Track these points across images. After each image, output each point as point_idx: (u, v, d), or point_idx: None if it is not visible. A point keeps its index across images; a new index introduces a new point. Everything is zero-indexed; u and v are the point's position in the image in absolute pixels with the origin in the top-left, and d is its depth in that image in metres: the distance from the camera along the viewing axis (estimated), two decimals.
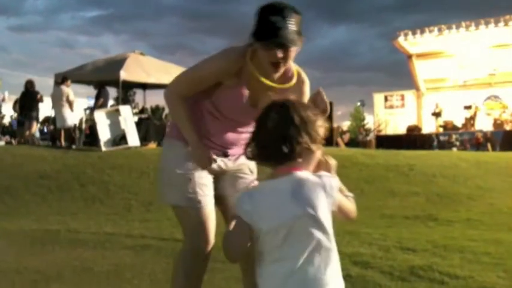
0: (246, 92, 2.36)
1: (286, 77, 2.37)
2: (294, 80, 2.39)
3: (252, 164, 2.58)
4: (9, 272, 4.16)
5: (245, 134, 2.46)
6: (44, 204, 8.52)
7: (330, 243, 1.59)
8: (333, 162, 1.75)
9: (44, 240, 5.66)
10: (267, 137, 1.61)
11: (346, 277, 3.81)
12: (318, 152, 1.67)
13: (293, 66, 2.38)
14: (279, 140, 1.58)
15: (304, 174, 1.60)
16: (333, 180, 1.61)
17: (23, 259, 4.70)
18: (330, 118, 19.58)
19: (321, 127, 1.65)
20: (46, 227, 6.59)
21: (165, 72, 15.83)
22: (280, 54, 2.16)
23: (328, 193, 1.58)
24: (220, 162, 2.46)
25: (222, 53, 2.36)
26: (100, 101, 13.67)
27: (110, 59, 16.84)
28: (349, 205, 1.71)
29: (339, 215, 1.65)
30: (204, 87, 2.36)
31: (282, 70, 2.27)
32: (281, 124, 1.59)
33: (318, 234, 1.56)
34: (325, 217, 1.57)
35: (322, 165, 1.72)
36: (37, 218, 7.41)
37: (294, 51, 2.21)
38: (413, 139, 19.31)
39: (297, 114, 1.61)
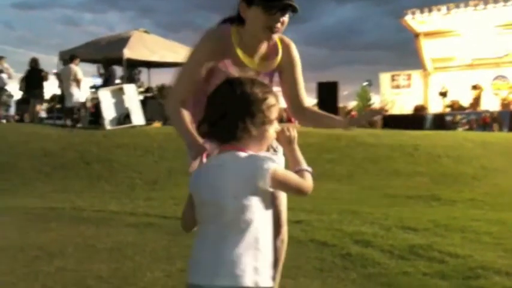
0: (235, 68, 2.33)
1: (272, 49, 2.36)
2: (280, 55, 2.39)
3: (275, 143, 2.55)
4: (12, 248, 4.20)
5: None
6: (48, 182, 8.58)
7: (236, 226, 1.52)
8: (292, 134, 1.73)
9: (48, 217, 5.71)
10: (213, 114, 1.60)
11: (346, 255, 3.87)
12: (271, 130, 1.64)
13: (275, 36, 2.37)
14: (223, 118, 1.57)
15: (233, 155, 1.56)
16: (265, 163, 1.52)
17: (27, 236, 4.75)
18: (335, 98, 19.54)
19: (271, 106, 1.61)
20: (50, 204, 6.64)
21: (169, 50, 15.77)
22: (281, 19, 2.17)
23: (253, 176, 1.51)
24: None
25: (204, 36, 2.33)
26: (105, 79, 13.65)
27: (114, 37, 16.76)
28: (297, 181, 1.62)
29: (288, 192, 1.66)
30: (199, 77, 2.32)
31: (275, 37, 2.27)
32: (225, 102, 1.59)
33: (225, 217, 1.53)
34: (235, 201, 1.52)
35: (282, 138, 1.72)
36: (41, 196, 7.47)
37: (286, 20, 2.21)
38: (419, 119, 19.21)
39: (243, 93, 1.58)
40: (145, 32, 17.01)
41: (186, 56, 2.36)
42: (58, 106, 17.42)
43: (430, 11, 20.84)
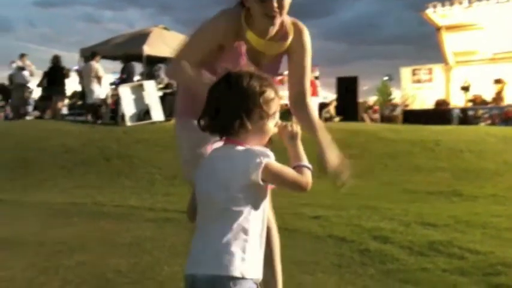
0: (248, 53, 2.31)
1: (283, 32, 2.34)
2: (290, 38, 2.36)
3: None
4: (34, 243, 4.27)
5: None
6: (70, 178, 8.69)
7: (225, 217, 1.54)
8: (295, 129, 1.68)
9: (69, 212, 5.80)
10: (211, 109, 1.60)
11: (364, 251, 3.85)
12: (269, 124, 1.62)
13: (288, 18, 2.34)
14: (219, 113, 1.57)
15: (230, 149, 1.57)
16: (258, 157, 1.52)
17: (48, 231, 4.82)
18: (354, 93, 19.38)
19: (270, 100, 1.60)
20: (72, 199, 6.73)
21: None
22: (275, 4, 2.16)
23: (246, 169, 1.51)
24: None
25: (219, 14, 2.33)
26: (123, 76, 13.71)
27: (133, 34, 16.86)
28: (293, 176, 1.59)
29: (283, 186, 1.60)
30: (206, 50, 2.31)
31: (278, 21, 2.24)
32: (221, 97, 1.59)
33: (215, 208, 1.56)
34: (226, 193, 1.54)
35: (284, 133, 1.67)
36: (63, 191, 7.58)
37: (288, 1, 2.20)
38: (440, 114, 18.95)
39: (239, 88, 1.57)
40: (165, 28, 17.08)
41: (195, 29, 2.35)
42: (79, 103, 17.62)
43: (451, 4, 20.50)
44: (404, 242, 4.07)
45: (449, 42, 21.71)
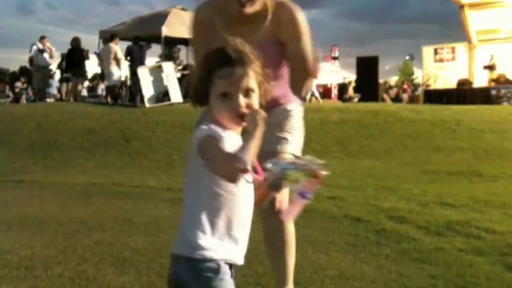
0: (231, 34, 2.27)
1: (261, 14, 2.23)
2: (268, 19, 2.24)
3: (284, 123, 2.44)
4: (53, 222, 4.34)
5: None
6: (90, 159, 8.82)
7: (187, 195, 1.50)
8: (259, 118, 1.43)
9: (89, 192, 5.88)
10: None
11: (380, 231, 3.83)
12: (221, 103, 1.46)
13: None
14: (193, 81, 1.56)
15: (201, 125, 1.47)
16: (199, 133, 1.43)
17: (67, 210, 4.91)
18: (374, 73, 19.16)
19: (223, 77, 1.45)
20: (91, 180, 6.83)
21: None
22: None
23: (193, 145, 1.44)
24: None
25: (194, 9, 2.33)
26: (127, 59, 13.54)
27: (152, 15, 16.86)
28: (212, 157, 1.39)
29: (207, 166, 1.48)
30: (201, 50, 2.19)
31: (249, 11, 2.15)
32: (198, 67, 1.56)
33: (186, 187, 1.52)
34: (189, 170, 1.49)
35: (249, 118, 1.45)
36: (83, 172, 7.69)
37: None
38: (463, 94, 18.65)
39: (201, 62, 1.53)
40: (183, 9, 17.03)
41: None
42: (101, 85, 17.75)
43: None
44: (421, 222, 4.04)
45: (473, 20, 21.24)
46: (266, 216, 2.35)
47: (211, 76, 1.47)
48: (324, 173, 1.55)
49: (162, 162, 8.48)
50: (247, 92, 1.48)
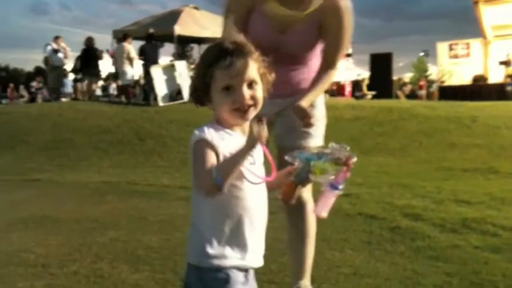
0: (271, 17, 2.27)
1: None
2: (312, 6, 2.25)
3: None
4: (69, 220, 4.39)
5: (293, 72, 2.40)
6: (104, 158, 8.88)
7: (196, 201, 1.46)
8: (262, 133, 1.33)
9: (104, 191, 5.93)
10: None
11: (395, 229, 3.81)
12: (222, 97, 1.41)
13: None
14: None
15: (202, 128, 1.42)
16: (193, 136, 1.40)
17: (83, 209, 4.95)
18: (388, 70, 19.00)
19: (224, 71, 1.40)
20: (106, 178, 6.88)
21: (220, 25, 15.76)
22: None
23: (190, 148, 1.42)
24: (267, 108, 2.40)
25: None
26: (141, 58, 13.57)
27: (165, 14, 16.91)
28: (200, 173, 1.37)
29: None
30: (236, 14, 2.30)
31: None
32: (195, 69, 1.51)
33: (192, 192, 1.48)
34: (192, 175, 1.43)
35: (254, 129, 1.35)
36: (98, 171, 7.75)
37: None
38: (478, 90, 18.44)
39: (200, 57, 1.47)
40: (195, 8, 17.07)
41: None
42: (114, 85, 17.85)
43: None
44: (436, 219, 4.01)
45: (488, 15, 21.00)
46: (289, 208, 2.35)
47: (211, 70, 1.41)
48: (353, 159, 1.47)
49: (176, 160, 8.50)
50: (251, 84, 1.43)
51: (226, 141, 1.40)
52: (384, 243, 3.48)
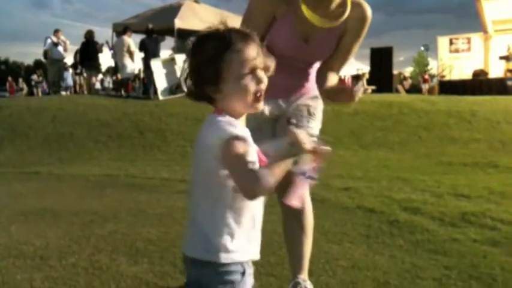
0: (297, 25, 2.25)
1: (339, 11, 2.23)
2: (346, 15, 2.24)
3: (314, 106, 2.48)
4: (68, 213, 4.39)
5: (302, 76, 2.40)
6: (104, 151, 8.89)
7: (196, 195, 1.41)
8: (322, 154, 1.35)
9: (103, 184, 5.93)
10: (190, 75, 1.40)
11: (394, 222, 3.81)
12: (245, 83, 1.34)
13: None
14: (192, 79, 1.39)
15: (205, 120, 1.37)
16: (218, 134, 1.31)
17: (82, 201, 4.96)
18: (389, 64, 18.93)
19: (241, 57, 1.33)
20: (106, 172, 6.89)
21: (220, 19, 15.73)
22: None
23: (207, 147, 1.33)
24: (273, 107, 2.40)
25: None
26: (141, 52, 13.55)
27: (165, 8, 16.86)
28: (243, 174, 1.29)
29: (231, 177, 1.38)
30: (259, 22, 2.23)
31: None
32: (190, 63, 1.38)
33: (193, 183, 1.42)
34: (197, 170, 1.39)
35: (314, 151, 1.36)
36: (98, 164, 7.76)
37: None
38: (478, 84, 18.40)
39: (200, 48, 1.36)
40: (195, 1, 17.02)
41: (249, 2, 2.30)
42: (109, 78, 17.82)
43: None
44: (435, 213, 4.01)
45: (489, 10, 20.94)
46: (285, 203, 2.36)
47: (224, 56, 1.32)
48: (324, 147, 1.42)
49: (176, 154, 8.51)
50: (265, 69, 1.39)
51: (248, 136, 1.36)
52: (383, 237, 3.49)
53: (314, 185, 1.51)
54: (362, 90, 2.05)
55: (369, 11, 2.29)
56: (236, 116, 1.39)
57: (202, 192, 1.39)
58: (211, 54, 1.33)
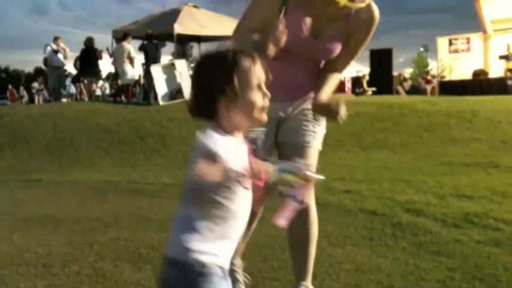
0: (307, 21, 2.23)
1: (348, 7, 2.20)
2: (351, 16, 2.23)
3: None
4: (70, 220, 4.39)
5: (307, 76, 2.38)
6: (105, 157, 8.90)
7: (194, 202, 1.42)
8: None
9: (105, 190, 5.93)
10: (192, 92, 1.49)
11: (396, 224, 3.80)
12: (251, 98, 1.40)
13: None
14: (196, 95, 1.46)
15: (204, 131, 1.39)
16: (201, 137, 1.35)
17: (84, 208, 4.95)
18: (389, 65, 18.92)
19: (247, 72, 1.39)
20: (107, 178, 6.89)
21: (219, 23, 15.76)
22: None
23: (193, 148, 1.37)
24: (279, 110, 2.37)
25: None
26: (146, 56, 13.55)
27: (164, 13, 16.89)
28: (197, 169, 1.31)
29: None
30: (267, 13, 2.20)
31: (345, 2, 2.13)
32: (195, 79, 1.47)
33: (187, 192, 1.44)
34: (188, 174, 1.37)
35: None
36: (99, 170, 7.76)
37: None
38: (478, 84, 18.40)
39: (208, 65, 1.43)
40: (195, 6, 17.05)
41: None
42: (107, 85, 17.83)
43: None
44: (438, 214, 4.00)
45: (488, 10, 20.95)
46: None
47: (232, 73, 1.38)
48: (316, 176, 1.48)
49: (177, 159, 8.51)
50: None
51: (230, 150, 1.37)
52: (386, 239, 3.48)
53: (316, 189, 1.53)
54: (346, 114, 2.11)
55: (377, 12, 2.29)
56: (237, 130, 1.44)
57: (184, 195, 1.44)
58: (219, 73, 1.39)
